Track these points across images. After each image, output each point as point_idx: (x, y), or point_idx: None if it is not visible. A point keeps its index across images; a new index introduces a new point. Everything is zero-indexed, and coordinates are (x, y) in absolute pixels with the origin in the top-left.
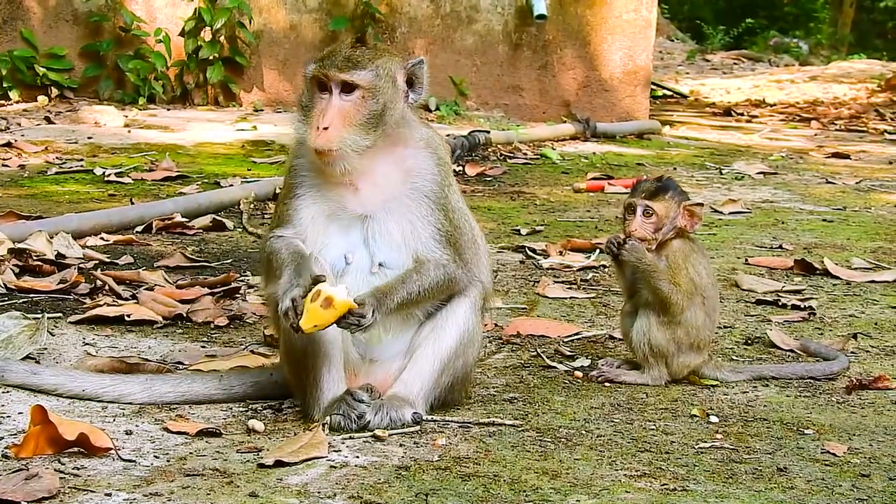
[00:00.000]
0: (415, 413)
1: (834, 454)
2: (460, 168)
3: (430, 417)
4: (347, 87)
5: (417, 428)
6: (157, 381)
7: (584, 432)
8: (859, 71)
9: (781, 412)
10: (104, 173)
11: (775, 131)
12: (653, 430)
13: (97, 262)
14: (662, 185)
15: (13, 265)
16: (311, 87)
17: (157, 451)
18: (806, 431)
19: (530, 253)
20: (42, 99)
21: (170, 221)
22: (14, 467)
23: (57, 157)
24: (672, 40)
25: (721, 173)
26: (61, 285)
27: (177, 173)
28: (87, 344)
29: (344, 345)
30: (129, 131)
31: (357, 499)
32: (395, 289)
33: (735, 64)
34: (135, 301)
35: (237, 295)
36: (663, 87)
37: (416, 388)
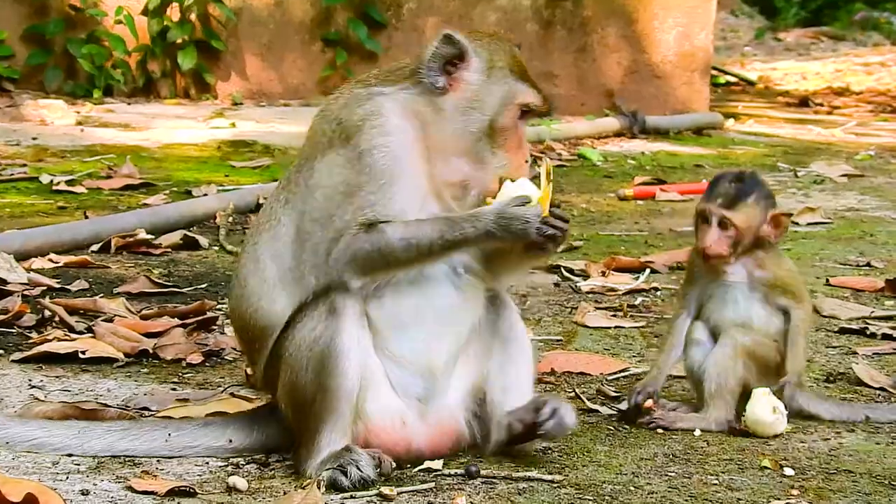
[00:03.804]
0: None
1: None
2: None
3: (446, 472)
4: None
5: (433, 484)
6: (92, 428)
7: (632, 488)
8: None
9: (870, 463)
10: (52, 181)
11: (862, 125)
12: (715, 485)
13: (45, 288)
14: (743, 189)
15: None
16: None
17: None
18: None
19: (567, 274)
20: None
21: (132, 239)
22: None
23: None
24: (737, 16)
25: (796, 176)
26: (2, 317)
27: (140, 181)
28: (34, 387)
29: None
30: (83, 130)
31: None
32: None
33: (813, 44)
34: (91, 335)
35: (213, 327)
36: (726, 73)
37: None
